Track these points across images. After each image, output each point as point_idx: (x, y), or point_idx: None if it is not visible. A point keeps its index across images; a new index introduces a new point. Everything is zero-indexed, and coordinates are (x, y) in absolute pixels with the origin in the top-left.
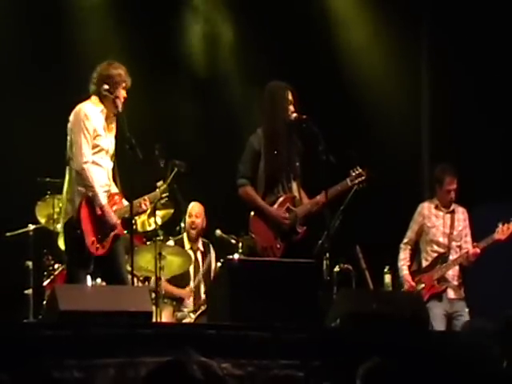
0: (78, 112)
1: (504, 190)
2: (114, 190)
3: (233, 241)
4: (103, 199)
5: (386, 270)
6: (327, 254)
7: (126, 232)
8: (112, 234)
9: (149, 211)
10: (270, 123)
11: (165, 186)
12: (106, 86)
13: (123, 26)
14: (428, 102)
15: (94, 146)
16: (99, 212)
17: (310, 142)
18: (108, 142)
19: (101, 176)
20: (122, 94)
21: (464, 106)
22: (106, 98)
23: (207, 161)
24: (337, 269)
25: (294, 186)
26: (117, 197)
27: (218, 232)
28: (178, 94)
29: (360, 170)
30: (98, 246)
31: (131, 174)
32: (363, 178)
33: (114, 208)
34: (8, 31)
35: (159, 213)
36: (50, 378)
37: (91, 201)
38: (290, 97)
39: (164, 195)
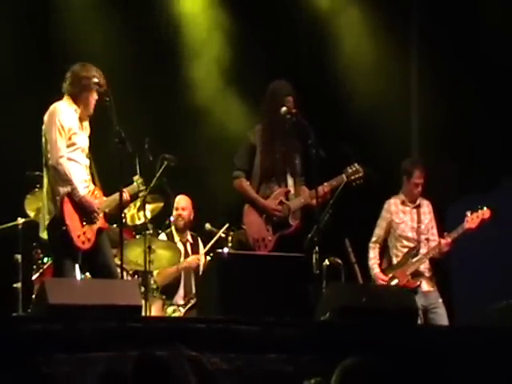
0: (53, 111)
1: (488, 184)
2: (92, 186)
3: (222, 234)
4: (82, 191)
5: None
6: (317, 248)
7: (114, 226)
8: (96, 226)
9: (138, 204)
10: (268, 120)
11: (141, 179)
12: (80, 87)
13: (111, 22)
14: (418, 100)
15: (70, 145)
16: (80, 204)
17: (301, 136)
18: (84, 140)
19: (78, 171)
20: (94, 96)
21: (453, 101)
22: (79, 98)
23: (199, 155)
24: (326, 263)
25: (290, 181)
26: (97, 192)
27: (208, 226)
28: (168, 89)
29: (357, 167)
30: (83, 239)
31: (121, 167)
32: (360, 174)
33: (96, 202)
34: None
35: (149, 206)
36: (40, 372)
37: (72, 196)
38: (290, 103)
39: (142, 188)
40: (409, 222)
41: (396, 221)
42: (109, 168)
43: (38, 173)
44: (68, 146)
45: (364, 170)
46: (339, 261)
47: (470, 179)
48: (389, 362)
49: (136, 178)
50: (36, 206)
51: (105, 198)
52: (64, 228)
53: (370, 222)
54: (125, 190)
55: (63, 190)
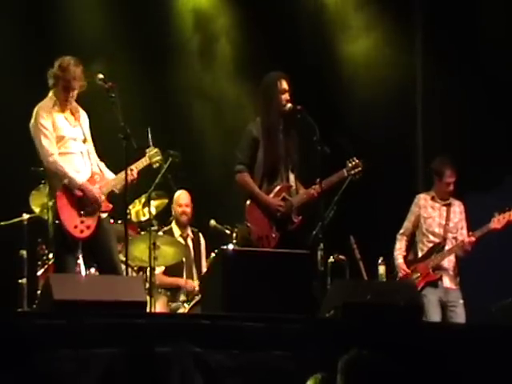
0: (35, 113)
1: (492, 180)
2: (96, 169)
3: (227, 231)
4: (79, 180)
5: (380, 261)
6: (321, 245)
7: (119, 222)
8: (98, 211)
9: (143, 200)
10: (264, 116)
11: (154, 150)
12: (55, 80)
13: (115, 15)
14: (422, 94)
15: (60, 138)
16: (79, 194)
17: (305, 132)
18: (74, 130)
19: (72, 161)
20: (65, 93)
21: (457, 99)
22: (57, 91)
23: (201, 150)
24: (331, 259)
25: (292, 177)
26: (96, 176)
27: (213, 222)
28: (170, 83)
29: (356, 161)
30: (82, 228)
31: (126, 162)
32: (359, 168)
33: (96, 187)
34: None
35: (153, 203)
36: (44, 368)
37: (68, 188)
38: (285, 85)
39: (157, 158)
40: (437, 218)
41: (424, 215)
42: (114, 164)
43: (42, 168)
44: (58, 141)
45: (363, 163)
46: (344, 257)
47: (473, 178)
48: (393, 358)
49: (149, 149)
50: (41, 202)
51: (110, 177)
52: (57, 222)
53: (374, 218)
54: (133, 166)
55: (59, 183)
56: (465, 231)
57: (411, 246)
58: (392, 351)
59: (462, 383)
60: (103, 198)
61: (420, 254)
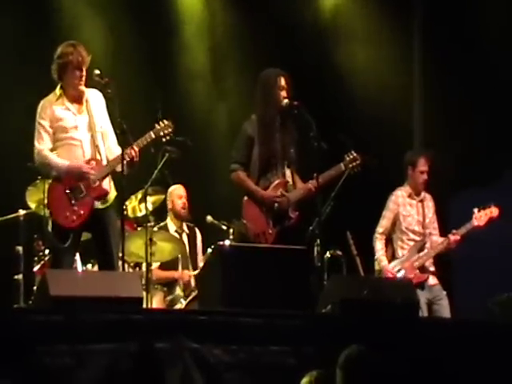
0: (38, 109)
1: (489, 177)
2: (97, 156)
3: (224, 227)
4: (64, 164)
5: (376, 257)
6: (318, 241)
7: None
8: (89, 199)
9: (140, 196)
10: (261, 111)
11: (166, 122)
12: (56, 67)
13: (113, 12)
14: (420, 90)
15: (60, 130)
16: (67, 178)
17: (302, 128)
18: (77, 118)
19: (71, 152)
20: (76, 73)
21: (456, 93)
22: (61, 80)
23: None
24: (327, 255)
25: (288, 172)
26: (92, 162)
27: (209, 218)
28: (168, 80)
29: (355, 155)
30: (74, 217)
31: (122, 157)
32: (358, 162)
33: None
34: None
35: (150, 198)
36: (41, 364)
37: (58, 179)
38: (283, 82)
39: (166, 132)
40: (415, 215)
41: (403, 213)
42: None
43: None
44: (59, 133)
45: (362, 157)
46: (340, 253)
47: (471, 172)
48: (390, 354)
49: (157, 124)
50: (37, 198)
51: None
52: (47, 215)
53: (371, 214)
54: (134, 144)
55: (50, 177)
56: (436, 225)
57: (387, 244)
58: (389, 347)
59: (459, 379)
60: (97, 183)
61: (400, 253)
